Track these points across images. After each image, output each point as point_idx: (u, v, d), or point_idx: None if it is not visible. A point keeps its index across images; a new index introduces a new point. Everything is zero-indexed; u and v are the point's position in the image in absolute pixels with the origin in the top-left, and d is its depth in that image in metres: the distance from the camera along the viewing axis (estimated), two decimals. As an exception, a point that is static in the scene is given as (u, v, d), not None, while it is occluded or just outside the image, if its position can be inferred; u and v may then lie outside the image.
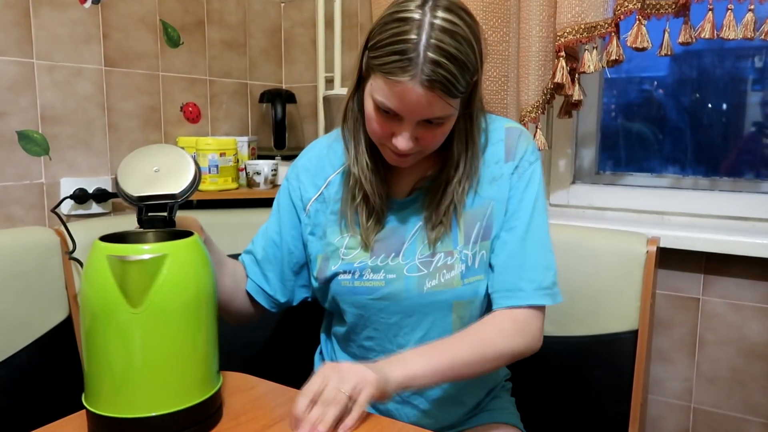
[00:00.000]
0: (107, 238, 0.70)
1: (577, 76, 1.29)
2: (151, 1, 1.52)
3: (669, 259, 1.32)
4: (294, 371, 1.11)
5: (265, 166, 1.55)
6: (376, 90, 0.79)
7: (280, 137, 1.73)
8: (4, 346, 1.08)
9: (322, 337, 1.11)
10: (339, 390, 0.70)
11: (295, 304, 1.06)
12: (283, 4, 1.87)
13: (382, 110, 0.80)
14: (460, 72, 0.76)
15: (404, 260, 0.90)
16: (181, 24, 1.61)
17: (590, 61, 1.24)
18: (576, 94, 1.30)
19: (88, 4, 1.39)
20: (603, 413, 1.19)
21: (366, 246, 0.91)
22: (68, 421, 0.72)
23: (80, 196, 1.39)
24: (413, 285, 0.89)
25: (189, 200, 0.89)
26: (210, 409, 0.73)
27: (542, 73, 1.31)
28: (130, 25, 1.48)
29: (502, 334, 0.86)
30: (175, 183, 0.80)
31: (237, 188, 1.56)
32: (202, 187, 1.51)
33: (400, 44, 0.75)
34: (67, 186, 1.38)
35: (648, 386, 1.38)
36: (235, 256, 1.51)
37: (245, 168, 1.58)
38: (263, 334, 1.50)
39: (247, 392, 0.84)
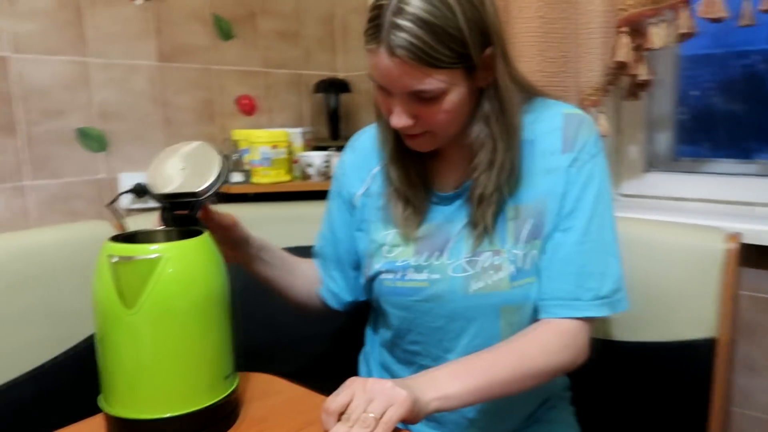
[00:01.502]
0: (117, 238, 0.68)
1: (644, 53, 1.16)
2: (203, -6, 1.52)
3: (757, 256, 1.17)
4: (337, 371, 1.07)
5: (316, 157, 1.52)
6: (370, 69, 0.76)
7: (335, 127, 1.70)
8: (65, 337, 1.12)
9: (368, 338, 1.07)
10: (365, 409, 0.65)
11: (363, 299, 1.02)
12: (338, -9, 1.83)
13: (378, 87, 0.77)
14: (433, 38, 0.69)
15: (449, 259, 0.83)
16: (233, 16, 1.60)
17: (657, 36, 1.11)
18: (643, 74, 1.16)
19: (139, 1, 1.41)
20: (676, 428, 1.08)
21: (407, 242, 0.86)
22: (88, 423, 0.72)
23: (139, 191, 1.42)
24: (458, 286, 0.83)
25: (219, 195, 0.90)
26: (222, 413, 0.71)
27: (604, 52, 1.18)
28: (182, 19, 1.49)
29: (546, 350, 0.78)
30: (200, 181, 0.77)
31: (291, 180, 1.54)
32: (255, 179, 1.50)
33: (373, 11, 0.71)
34: (126, 181, 1.41)
35: (732, 399, 1.24)
36: (290, 249, 1.51)
37: (298, 160, 1.56)
38: (308, 332, 1.48)
39: (273, 397, 0.81)
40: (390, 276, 0.86)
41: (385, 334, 0.96)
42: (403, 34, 0.68)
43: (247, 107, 1.66)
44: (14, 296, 1.13)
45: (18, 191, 1.25)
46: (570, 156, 0.82)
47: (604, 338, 1.11)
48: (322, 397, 0.80)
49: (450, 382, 0.72)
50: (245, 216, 1.50)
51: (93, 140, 1.35)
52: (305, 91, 1.79)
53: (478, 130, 0.79)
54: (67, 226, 1.22)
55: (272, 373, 1.43)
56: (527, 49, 1.31)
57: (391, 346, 0.96)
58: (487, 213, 0.80)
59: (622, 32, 1.14)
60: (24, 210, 1.26)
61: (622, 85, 1.26)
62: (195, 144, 0.83)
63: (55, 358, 1.14)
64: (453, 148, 0.85)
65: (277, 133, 1.50)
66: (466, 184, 0.84)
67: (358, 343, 1.14)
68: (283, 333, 1.50)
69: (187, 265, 0.68)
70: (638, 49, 1.17)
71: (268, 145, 1.48)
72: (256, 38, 1.66)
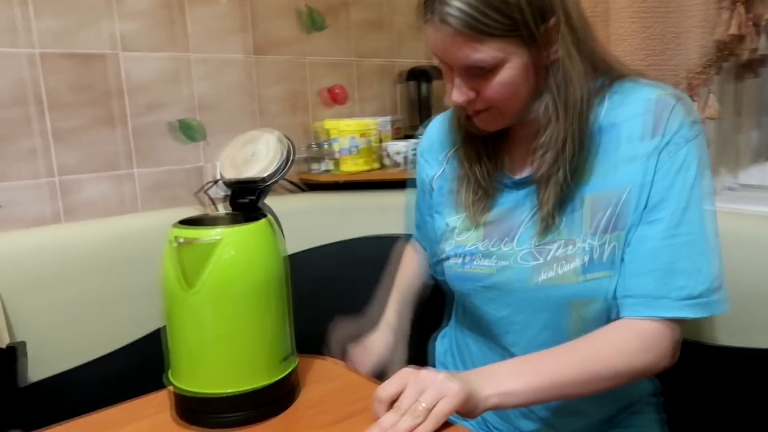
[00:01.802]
0: (184, 222, 0.71)
1: (763, 25, 1.03)
2: (296, -13, 1.56)
3: None
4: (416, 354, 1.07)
5: (403, 146, 1.51)
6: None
7: (425, 115, 1.68)
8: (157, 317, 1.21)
9: (452, 321, 1.05)
10: (417, 399, 0.64)
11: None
12: (432, -24, 1.80)
13: (441, 63, 0.76)
14: (485, 5, 0.67)
15: (518, 246, 0.79)
16: (326, 7, 1.63)
17: (781, 3, 0.98)
18: (761, 48, 1.03)
19: (236, -3, 1.47)
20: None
21: (475, 227, 0.83)
22: (157, 395, 0.76)
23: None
24: (527, 275, 0.78)
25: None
26: (279, 393, 0.72)
27: (714, 26, 1.06)
28: (275, 13, 1.54)
29: (623, 351, 0.71)
30: (266, 168, 0.79)
31: (378, 169, 1.55)
32: (342, 168, 1.52)
33: None
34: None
35: None
36: (373, 239, 1.52)
37: (386, 149, 1.56)
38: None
39: (331, 381, 0.81)
40: (458, 261, 0.84)
41: (463, 318, 0.95)
42: (455, 2, 0.68)
43: (339, 97, 1.68)
44: (118, 275, 1.24)
45: (127, 178, 1.36)
46: (655, 141, 0.74)
47: (705, 342, 1.00)
48: (376, 385, 0.80)
49: (512, 378, 0.68)
50: (333, 204, 1.54)
51: (192, 130, 1.44)
52: (397, 80, 1.79)
53: (541, 106, 0.75)
54: (166, 212, 1.31)
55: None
56: (628, 26, 1.21)
57: (471, 331, 0.94)
58: (551, 195, 0.76)
59: (737, 1, 1.02)
60: (131, 195, 1.36)
61: (736, 62, 1.13)
62: (264, 132, 0.85)
63: (150, 334, 1.23)
64: (523, 128, 0.80)
65: (364, 122, 1.51)
66: (531, 173, 0.79)
67: (422, 332, 1.12)
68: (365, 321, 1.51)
69: (246, 248, 0.70)
70: (756, 21, 1.04)
71: (356, 133, 1.49)
72: (347, 28, 1.68)
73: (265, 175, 0.79)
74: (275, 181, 0.80)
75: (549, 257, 0.77)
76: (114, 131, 1.33)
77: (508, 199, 0.83)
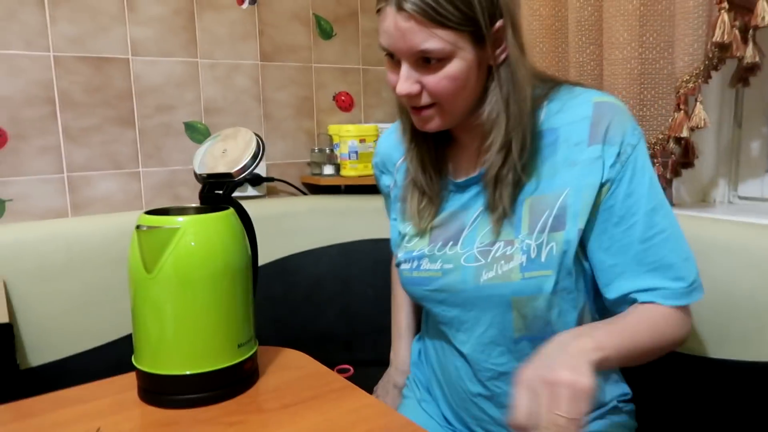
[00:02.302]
0: (154, 211, 0.75)
1: (750, 32, 1.02)
2: (304, -4, 1.61)
3: None
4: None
5: (402, 151, 1.54)
6: (379, 36, 0.76)
7: (429, 123, 1.70)
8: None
9: (422, 324, 1.07)
10: (555, 413, 0.58)
11: None
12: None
13: (388, 57, 0.76)
14: None
15: (462, 249, 0.81)
16: (334, 16, 1.67)
17: (765, 11, 0.97)
18: (749, 56, 1.02)
19: (245, 5, 1.53)
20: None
21: (422, 233, 0.85)
22: (123, 377, 0.80)
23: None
24: (470, 276, 0.80)
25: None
26: (235, 377, 0.75)
27: (703, 33, 1.05)
28: (284, 21, 1.59)
29: (668, 323, 0.75)
30: (236, 164, 0.83)
31: (378, 174, 1.57)
32: (343, 172, 1.55)
33: None
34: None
35: None
36: (371, 241, 1.54)
37: (387, 154, 1.58)
38: (386, 322, 1.50)
39: (293, 370, 0.84)
40: (408, 266, 0.86)
41: (425, 322, 0.98)
42: None
43: (345, 103, 1.72)
44: (120, 269, 1.29)
45: (133, 177, 1.42)
46: (595, 150, 0.76)
47: (682, 352, 0.99)
48: (337, 376, 0.82)
49: (608, 339, 0.67)
50: (333, 207, 1.57)
51: (198, 133, 1.50)
52: (405, 88, 1.82)
53: (489, 108, 0.76)
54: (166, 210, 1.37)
55: (348, 361, 1.49)
56: (620, 34, 1.21)
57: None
58: (504, 194, 0.77)
59: (721, 8, 1.01)
60: (136, 193, 1.43)
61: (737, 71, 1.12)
62: (238, 130, 0.89)
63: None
64: (467, 133, 0.83)
65: (365, 128, 1.54)
66: (482, 170, 0.81)
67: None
68: (360, 322, 1.53)
69: (206, 237, 0.74)
70: (744, 28, 1.03)
71: (356, 139, 1.52)
72: (356, 36, 1.72)
73: (233, 170, 0.83)
74: (243, 177, 0.84)
75: (490, 258, 0.79)
76: (123, 132, 1.39)
77: (452, 204, 0.85)
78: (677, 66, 1.11)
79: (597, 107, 0.77)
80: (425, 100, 0.76)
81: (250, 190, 1.58)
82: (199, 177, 0.85)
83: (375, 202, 1.63)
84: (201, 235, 0.74)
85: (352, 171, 1.54)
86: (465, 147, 0.85)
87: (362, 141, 1.53)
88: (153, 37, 1.41)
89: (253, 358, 0.79)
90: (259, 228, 1.47)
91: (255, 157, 0.84)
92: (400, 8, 0.70)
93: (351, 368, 1.46)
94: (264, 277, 1.48)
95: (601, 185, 0.76)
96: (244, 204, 1.51)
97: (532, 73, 0.79)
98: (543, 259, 0.76)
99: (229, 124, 1.54)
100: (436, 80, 0.73)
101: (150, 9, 1.40)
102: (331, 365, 1.00)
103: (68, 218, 1.34)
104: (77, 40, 1.32)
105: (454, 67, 0.73)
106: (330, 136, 1.62)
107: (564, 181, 0.77)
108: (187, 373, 0.73)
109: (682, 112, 1.11)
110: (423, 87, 0.75)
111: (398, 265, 0.89)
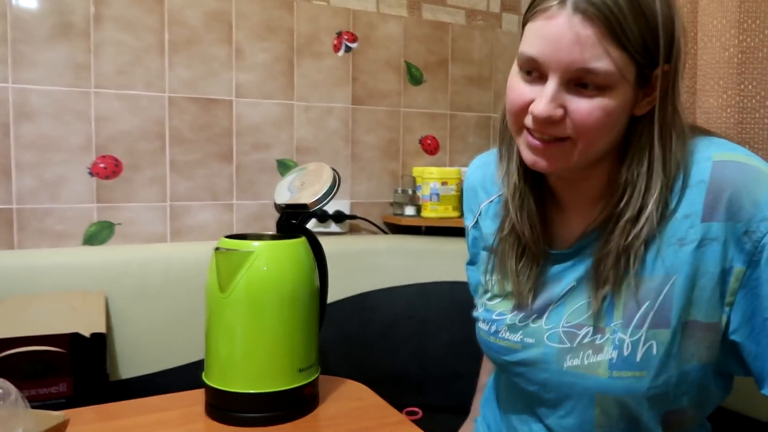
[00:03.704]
0: (231, 236, 0.81)
1: None
2: (397, 45, 1.69)
3: None
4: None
5: (483, 196, 1.54)
6: (521, 46, 0.64)
7: (514, 169, 1.69)
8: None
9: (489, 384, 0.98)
10: None
11: None
12: (535, 36, 1.85)
13: (523, 72, 0.64)
14: (629, 8, 0.58)
15: (547, 324, 0.72)
16: (425, 64, 1.73)
17: None
18: None
19: (341, 53, 1.62)
20: None
21: (506, 295, 0.76)
22: (195, 392, 0.85)
23: (321, 216, 1.61)
24: (553, 358, 0.71)
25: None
26: (294, 400, 0.78)
27: (805, 80, 0.99)
28: (376, 67, 1.67)
29: None
30: (311, 195, 0.88)
31: (459, 217, 1.58)
32: (424, 214, 1.58)
33: None
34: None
35: None
36: (449, 283, 1.54)
37: (469, 198, 1.59)
38: (461, 368, 1.47)
39: (352, 401, 0.85)
40: (486, 327, 0.78)
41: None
42: None
43: (431, 147, 1.76)
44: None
45: (227, 208, 1.53)
46: (711, 227, 0.62)
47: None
48: (395, 411, 0.82)
49: None
50: (413, 247, 1.59)
51: (288, 169, 1.58)
52: (492, 134, 1.83)
53: (631, 164, 0.65)
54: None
55: (418, 404, 1.47)
56: (715, 82, 1.16)
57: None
58: (609, 271, 0.66)
59: (828, 57, 0.95)
60: (229, 223, 1.53)
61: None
62: (320, 165, 0.94)
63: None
64: (575, 191, 0.73)
65: (447, 171, 1.56)
66: (588, 239, 0.71)
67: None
68: (433, 365, 1.52)
69: (277, 263, 0.78)
70: None
71: (438, 181, 1.55)
72: (445, 83, 1.77)
73: (309, 201, 0.87)
74: (319, 208, 0.88)
75: (576, 343, 0.69)
76: (222, 166, 1.51)
77: (548, 272, 0.74)
78: (777, 115, 1.04)
79: (717, 169, 0.63)
80: (562, 131, 0.63)
81: (334, 227, 1.64)
82: (277, 207, 0.91)
83: (454, 244, 1.63)
84: (273, 260, 0.78)
85: (432, 213, 1.56)
86: (571, 208, 0.74)
87: (444, 183, 1.55)
88: (255, 81, 1.53)
89: (313, 384, 0.81)
90: (339, 263, 1.52)
91: (330, 190, 0.88)
92: (580, 10, 0.58)
93: (420, 411, 1.45)
94: (341, 313, 1.52)
95: (724, 272, 0.63)
96: (327, 239, 1.58)
97: (687, 128, 0.67)
98: (638, 359, 0.65)
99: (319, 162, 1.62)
100: (588, 109, 0.61)
101: (255, 56, 1.52)
102: (400, 407, 0.99)
103: (167, 243, 1.46)
104: (189, 83, 1.46)
105: (610, 100, 0.61)
106: (413, 177, 1.65)
107: (671, 265, 0.64)
108: (251, 392, 0.77)
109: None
110: (566, 114, 0.62)
111: (476, 319, 0.82)
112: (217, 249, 0.77)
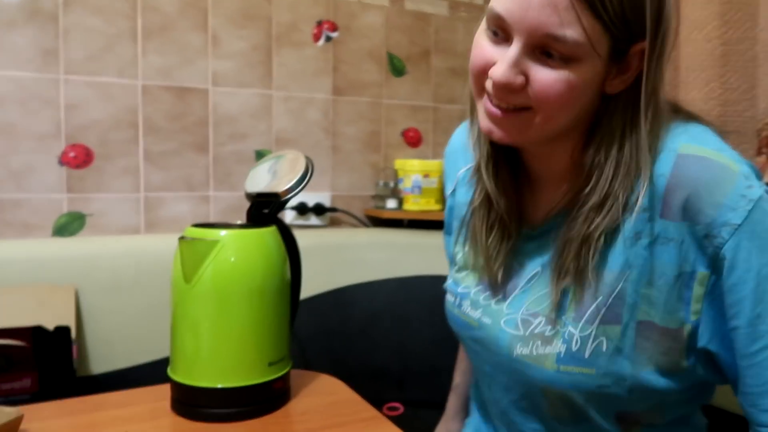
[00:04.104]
0: (198, 225, 0.78)
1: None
2: (379, 35, 1.66)
3: None
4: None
5: (465, 188, 1.52)
6: (491, 1, 0.59)
7: (497, 162, 1.67)
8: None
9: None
10: None
11: None
12: (518, 28, 1.83)
13: (489, 31, 0.60)
14: None
15: (507, 309, 0.69)
16: (407, 54, 1.70)
17: None
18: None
19: (321, 42, 1.59)
20: None
21: (474, 268, 0.73)
22: (161, 387, 0.81)
23: (301, 209, 1.58)
24: (505, 343, 0.68)
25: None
26: (264, 394, 0.75)
27: (788, 70, 0.98)
28: (357, 58, 1.64)
29: None
30: (283, 185, 0.85)
31: (441, 210, 1.56)
32: (405, 207, 1.55)
33: None
34: (292, 199, 1.57)
35: None
36: (431, 277, 1.51)
37: (451, 191, 1.57)
38: (442, 364, 1.45)
39: (325, 396, 0.82)
40: (451, 298, 0.77)
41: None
42: None
43: (413, 139, 1.73)
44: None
45: (203, 200, 1.49)
46: (667, 225, 0.59)
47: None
48: (368, 406, 0.80)
49: None
50: (394, 241, 1.57)
51: (268, 161, 1.55)
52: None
53: (600, 146, 0.61)
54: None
55: (399, 399, 1.45)
56: (697, 74, 1.15)
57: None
58: (571, 262, 0.62)
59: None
60: (206, 215, 1.49)
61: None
62: (290, 152, 0.90)
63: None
64: (546, 169, 0.69)
65: (430, 163, 1.54)
66: (554, 222, 0.67)
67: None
68: (415, 361, 1.50)
69: (246, 252, 0.75)
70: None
71: (420, 173, 1.52)
72: (428, 75, 1.74)
73: (280, 190, 0.84)
74: (289, 197, 0.85)
75: (528, 332, 0.66)
76: (198, 157, 1.47)
77: (518, 249, 0.70)
78: (760, 108, 1.03)
79: (680, 164, 0.58)
80: (522, 100, 0.58)
81: (314, 219, 1.61)
82: (248, 195, 0.87)
83: (436, 238, 1.60)
84: (240, 250, 0.75)
85: (414, 205, 1.54)
86: (534, 185, 0.71)
87: (426, 176, 1.53)
88: (232, 70, 1.49)
89: (284, 379, 0.78)
90: (319, 257, 1.50)
91: (302, 179, 0.85)
92: None
93: (401, 406, 1.42)
94: (321, 307, 1.49)
95: (684, 275, 0.59)
96: (307, 232, 1.55)
97: (666, 112, 0.62)
98: (586, 355, 0.62)
99: (298, 154, 1.58)
100: (550, 80, 0.56)
101: (232, 44, 1.49)
102: (381, 402, 0.97)
103: (141, 235, 1.42)
104: (164, 71, 1.42)
105: (576, 73, 0.57)
106: (396, 170, 1.63)
107: (625, 261, 0.61)
108: (218, 386, 0.73)
109: (764, 155, 1.03)
110: (527, 83, 0.58)
111: (444, 289, 0.81)
112: (182, 238, 0.74)
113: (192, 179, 1.47)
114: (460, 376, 0.98)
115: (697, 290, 0.59)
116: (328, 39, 1.60)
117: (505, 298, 0.70)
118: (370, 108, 1.67)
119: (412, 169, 1.53)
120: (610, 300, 0.61)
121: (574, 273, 0.62)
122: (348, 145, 1.65)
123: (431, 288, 1.55)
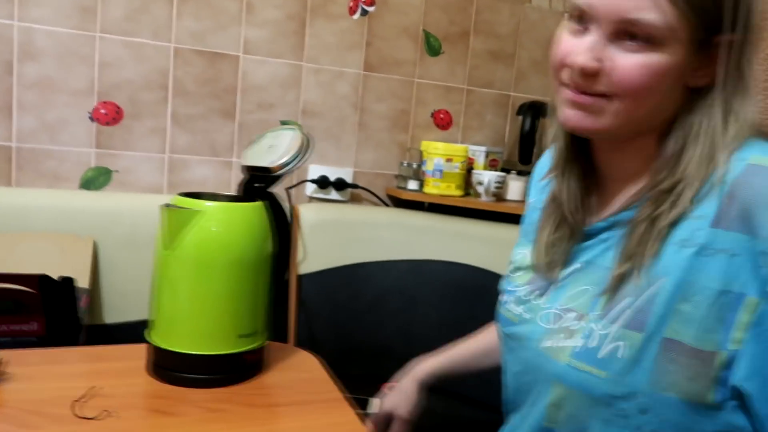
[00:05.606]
0: (187, 194, 0.79)
1: None
2: (417, 12, 1.62)
3: None
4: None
5: (487, 176, 1.48)
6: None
7: (526, 151, 1.62)
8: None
9: None
10: None
11: None
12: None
13: (571, 23, 0.61)
14: None
15: (545, 303, 0.68)
16: (445, 34, 1.66)
17: None
18: None
19: (356, 15, 1.57)
20: None
21: (548, 272, 0.70)
22: (141, 346, 0.84)
23: (322, 182, 1.59)
24: (537, 335, 0.67)
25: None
26: (235, 365, 0.77)
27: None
28: (393, 34, 1.61)
29: None
30: (277, 161, 0.85)
31: (462, 196, 1.53)
32: (426, 189, 1.53)
33: None
34: (314, 172, 1.58)
35: None
36: (444, 263, 1.50)
37: (474, 177, 1.54)
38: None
39: (299, 372, 0.83)
40: (502, 298, 0.76)
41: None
42: None
43: (443, 121, 1.70)
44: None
45: (227, 165, 1.51)
46: (730, 236, 0.54)
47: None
48: (335, 386, 0.80)
49: None
50: (413, 223, 1.55)
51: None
52: (510, 113, 1.76)
53: (677, 140, 0.60)
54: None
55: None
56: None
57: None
58: (649, 245, 0.59)
59: None
60: (227, 181, 1.51)
61: None
62: (289, 128, 0.90)
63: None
64: (617, 170, 0.67)
65: (454, 147, 1.51)
66: (618, 217, 0.65)
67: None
68: (420, 344, 1.48)
69: (228, 225, 0.76)
70: None
71: (443, 157, 1.50)
72: (464, 56, 1.69)
73: (273, 165, 0.84)
74: (284, 172, 0.85)
75: (557, 325, 0.65)
76: (224, 122, 1.49)
77: (575, 249, 0.69)
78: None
79: (747, 172, 0.56)
80: (601, 86, 0.58)
81: (334, 194, 1.61)
82: (243, 168, 0.88)
83: (455, 224, 1.59)
84: (224, 222, 0.76)
85: (434, 189, 1.51)
86: (602, 188, 0.69)
87: (449, 160, 1.50)
88: (265, 38, 1.49)
89: (255, 352, 0.80)
90: (335, 231, 1.51)
91: (296, 155, 0.85)
92: None
93: (399, 388, 1.42)
94: (331, 281, 1.50)
95: (728, 294, 0.54)
96: (326, 206, 1.55)
97: (750, 122, 0.59)
98: (599, 355, 0.59)
99: (325, 128, 1.58)
100: (631, 64, 0.56)
101: (266, 12, 1.49)
102: (382, 380, 0.97)
103: (163, 194, 1.46)
104: (197, 35, 1.44)
105: (658, 58, 0.56)
106: (421, 151, 1.60)
107: (665, 266, 0.58)
108: (190, 352, 0.76)
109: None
110: (607, 69, 0.58)
111: (500, 290, 0.79)
112: (167, 205, 0.76)
113: (216, 144, 1.49)
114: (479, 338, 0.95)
115: (743, 317, 0.54)
116: (364, 13, 1.57)
117: (544, 293, 0.70)
118: (402, 86, 1.64)
119: (436, 151, 1.50)
120: (637, 302, 0.58)
121: (636, 257, 0.60)
122: (375, 122, 1.63)
123: (443, 273, 1.54)
